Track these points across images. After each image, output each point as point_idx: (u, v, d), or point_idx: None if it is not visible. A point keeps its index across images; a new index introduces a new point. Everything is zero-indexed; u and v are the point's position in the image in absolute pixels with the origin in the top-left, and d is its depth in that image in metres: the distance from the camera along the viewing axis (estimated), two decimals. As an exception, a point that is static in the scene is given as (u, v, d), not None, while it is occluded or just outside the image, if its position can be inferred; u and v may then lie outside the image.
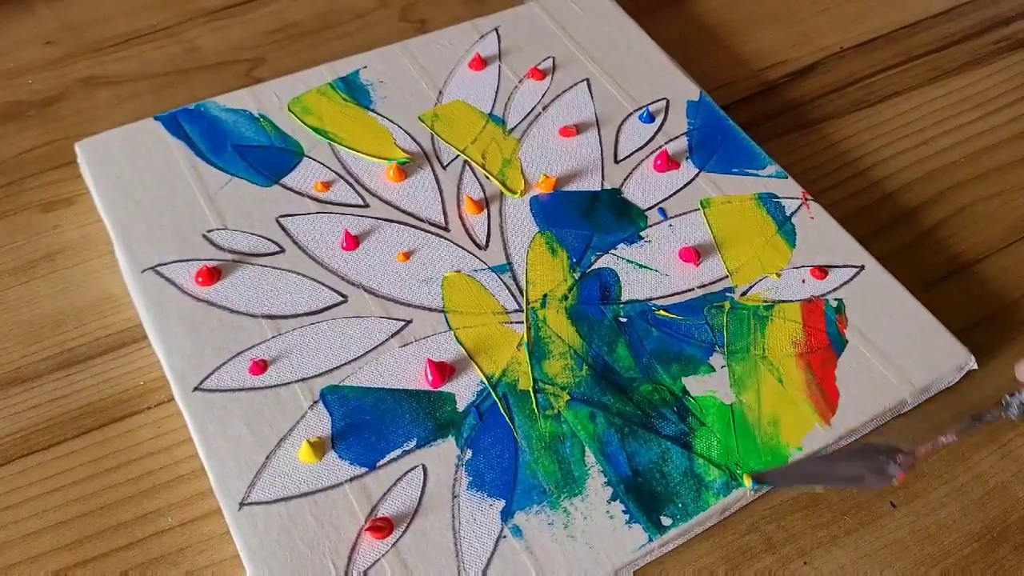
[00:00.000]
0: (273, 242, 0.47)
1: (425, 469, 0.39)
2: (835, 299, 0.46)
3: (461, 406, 0.41)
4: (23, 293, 0.47)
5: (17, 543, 0.39)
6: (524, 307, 0.45)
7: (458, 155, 0.52)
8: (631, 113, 0.54)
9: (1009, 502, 0.42)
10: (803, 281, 0.46)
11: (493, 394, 0.42)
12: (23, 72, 0.59)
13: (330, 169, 0.50)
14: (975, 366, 0.44)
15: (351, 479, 0.39)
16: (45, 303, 0.47)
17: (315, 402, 0.41)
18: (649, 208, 0.50)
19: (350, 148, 0.51)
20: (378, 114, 0.53)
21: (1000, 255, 0.51)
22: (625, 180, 0.51)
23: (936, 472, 0.42)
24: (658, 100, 0.55)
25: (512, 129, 0.53)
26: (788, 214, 0.49)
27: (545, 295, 0.46)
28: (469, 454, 0.40)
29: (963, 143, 0.57)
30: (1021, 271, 0.50)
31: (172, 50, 0.60)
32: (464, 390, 0.42)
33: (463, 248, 0.47)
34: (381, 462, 0.39)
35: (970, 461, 0.43)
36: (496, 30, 0.58)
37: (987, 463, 0.43)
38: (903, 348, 0.44)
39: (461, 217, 0.49)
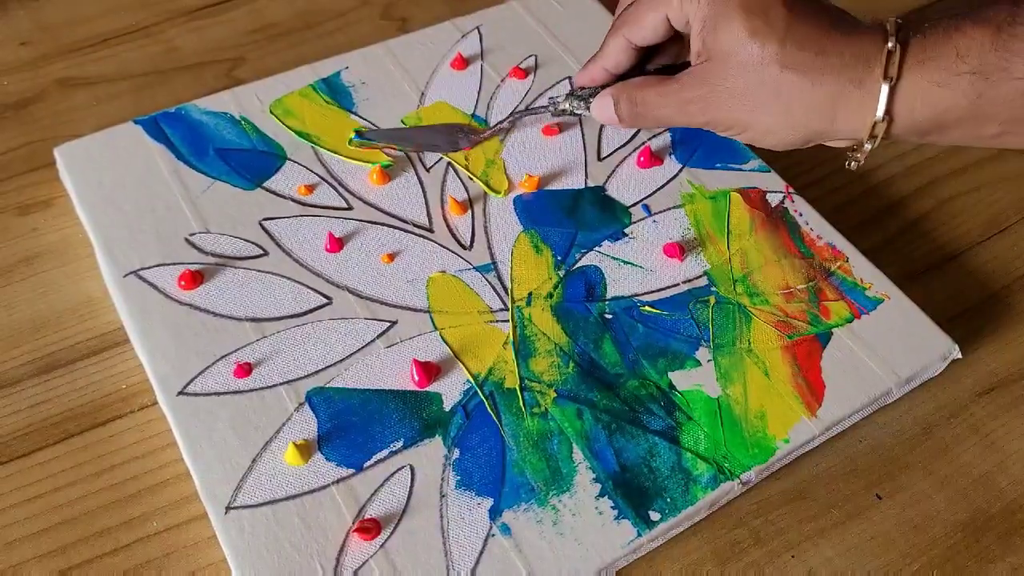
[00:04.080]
0: (257, 245, 0.47)
1: (412, 469, 0.39)
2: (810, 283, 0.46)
3: (448, 406, 0.41)
4: (1, 297, 0.46)
5: (-1, 551, 0.38)
6: (509, 306, 0.45)
7: (441, 157, 0.51)
8: (614, 110, 0.54)
9: (993, 492, 0.42)
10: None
11: (480, 393, 0.42)
12: (-2, 74, 0.58)
13: (313, 172, 0.50)
14: (959, 355, 0.45)
15: (338, 481, 0.39)
16: (24, 307, 0.46)
17: (301, 404, 0.41)
18: (633, 205, 0.50)
19: (333, 151, 0.51)
20: (360, 116, 0.53)
21: (981, 248, 0.52)
22: (609, 177, 0.51)
23: (921, 464, 0.43)
24: (640, 97, 0.55)
25: (495, 128, 0.53)
26: (773, 207, 0.50)
27: (530, 293, 0.46)
28: (456, 453, 0.40)
29: (942, 137, 0.58)
30: (1002, 263, 0.51)
31: (151, 50, 0.60)
32: (451, 390, 0.42)
33: (447, 249, 0.47)
34: (368, 463, 0.39)
35: (954, 452, 0.43)
36: (478, 29, 0.58)
37: (970, 454, 0.43)
38: (888, 339, 0.44)
39: (445, 218, 0.49)
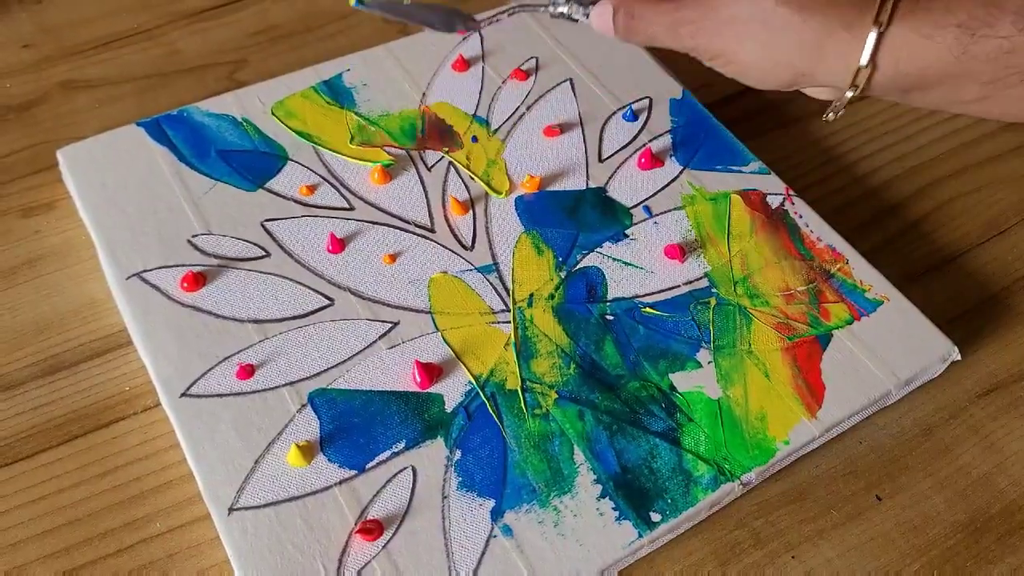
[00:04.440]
0: (258, 246, 0.47)
1: (414, 470, 0.39)
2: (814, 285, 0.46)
3: (449, 407, 0.41)
4: (4, 299, 0.47)
5: (3, 552, 0.38)
6: (511, 307, 0.45)
7: (443, 157, 0.52)
8: (614, 112, 0.55)
9: (992, 493, 0.42)
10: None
11: (481, 394, 0.42)
12: (0, 76, 0.58)
13: (314, 172, 0.50)
14: (958, 357, 0.45)
15: (340, 482, 0.39)
16: (27, 309, 0.46)
17: (303, 406, 0.41)
18: (634, 206, 0.50)
19: (334, 151, 0.51)
20: (362, 118, 0.53)
21: (980, 249, 0.52)
22: (610, 179, 0.51)
23: (920, 465, 0.43)
24: (641, 99, 0.55)
25: (496, 130, 0.53)
26: (773, 209, 0.50)
27: (532, 294, 0.46)
28: (458, 454, 0.40)
29: (942, 140, 0.58)
30: (1001, 265, 0.51)
31: (153, 53, 0.60)
32: (452, 391, 0.42)
33: (449, 249, 0.47)
34: (370, 464, 0.39)
35: (953, 453, 0.43)
36: (479, 31, 0.58)
37: (970, 455, 0.43)
38: (887, 340, 0.44)
39: (446, 218, 0.49)
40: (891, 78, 0.35)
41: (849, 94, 0.36)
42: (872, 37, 0.34)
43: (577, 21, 0.45)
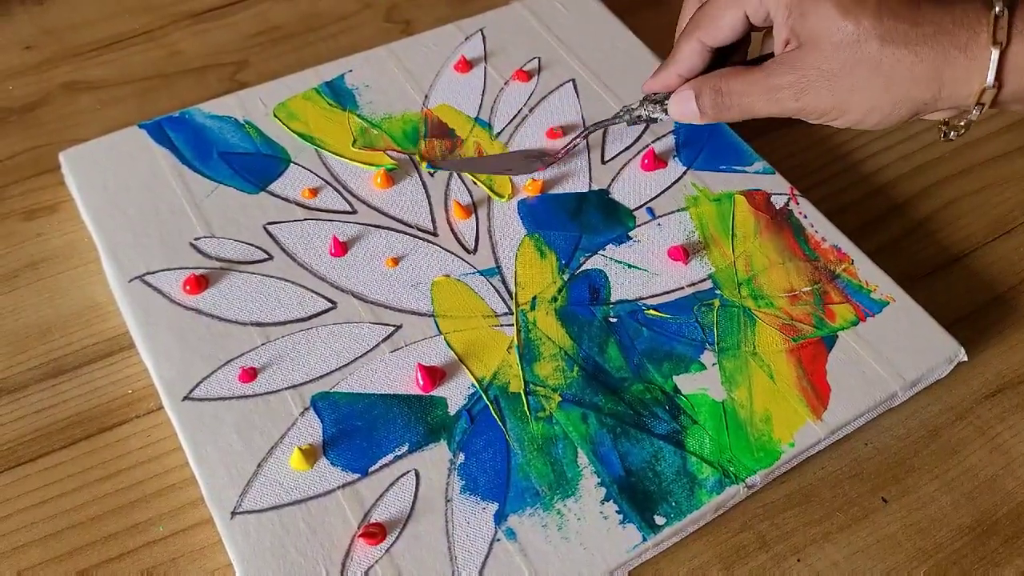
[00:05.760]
0: (261, 249, 0.47)
1: (417, 474, 0.39)
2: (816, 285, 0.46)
3: (453, 410, 0.41)
4: (7, 302, 0.47)
5: (6, 556, 0.38)
6: (514, 310, 0.45)
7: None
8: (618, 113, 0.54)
9: (999, 495, 0.42)
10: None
11: (484, 397, 0.42)
12: (2, 78, 0.58)
13: (317, 175, 0.50)
14: (965, 358, 0.44)
15: (343, 486, 0.39)
16: (30, 312, 0.46)
17: (306, 409, 0.41)
18: (637, 208, 0.50)
19: (337, 154, 0.51)
20: (364, 119, 0.53)
21: (986, 249, 0.52)
22: (613, 180, 0.51)
23: (927, 467, 0.43)
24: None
25: (499, 133, 0.53)
26: (777, 209, 0.49)
27: (535, 297, 0.46)
28: (461, 458, 0.40)
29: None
30: (1007, 264, 0.51)
31: (155, 54, 0.60)
32: (455, 394, 0.42)
33: (452, 252, 0.47)
34: (373, 468, 0.39)
35: (960, 455, 0.43)
36: (481, 31, 0.58)
37: (976, 457, 0.43)
38: (893, 341, 0.44)
39: (449, 222, 0.49)
40: (1016, 92, 0.35)
41: (975, 113, 0.36)
42: (995, 56, 0.34)
43: (657, 120, 0.45)
